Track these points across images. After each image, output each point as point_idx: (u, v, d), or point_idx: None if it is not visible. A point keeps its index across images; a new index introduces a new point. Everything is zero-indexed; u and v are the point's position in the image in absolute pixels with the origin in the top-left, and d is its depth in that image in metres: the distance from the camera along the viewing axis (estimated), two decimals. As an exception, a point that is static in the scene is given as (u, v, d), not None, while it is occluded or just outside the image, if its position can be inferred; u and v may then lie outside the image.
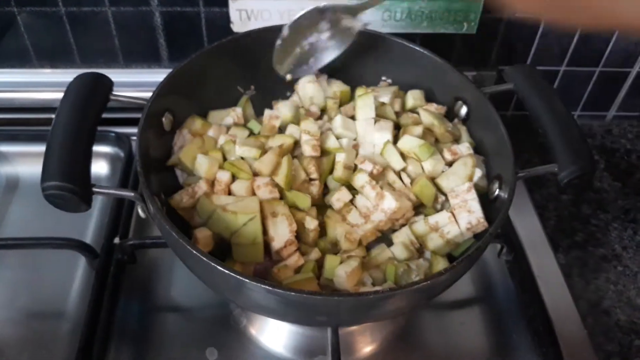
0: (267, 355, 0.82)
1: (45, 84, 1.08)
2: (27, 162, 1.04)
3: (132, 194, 0.68)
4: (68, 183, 0.62)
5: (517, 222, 0.95)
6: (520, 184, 1.05)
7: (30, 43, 1.06)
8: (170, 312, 0.86)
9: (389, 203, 0.76)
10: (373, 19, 1.01)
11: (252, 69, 0.90)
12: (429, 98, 0.91)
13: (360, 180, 0.79)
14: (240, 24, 1.01)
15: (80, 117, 0.69)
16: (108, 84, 0.75)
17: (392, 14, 1.00)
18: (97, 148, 1.01)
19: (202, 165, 0.77)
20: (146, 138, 0.73)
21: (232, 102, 0.91)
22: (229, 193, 0.77)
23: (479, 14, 1.01)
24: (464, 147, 0.83)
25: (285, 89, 0.95)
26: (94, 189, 0.65)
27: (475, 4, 1.00)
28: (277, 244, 0.72)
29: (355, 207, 0.79)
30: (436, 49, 0.88)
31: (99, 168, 1.03)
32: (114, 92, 0.75)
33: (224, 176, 0.76)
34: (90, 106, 0.71)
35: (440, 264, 0.74)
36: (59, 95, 0.74)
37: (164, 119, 0.80)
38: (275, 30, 0.84)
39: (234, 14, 1.00)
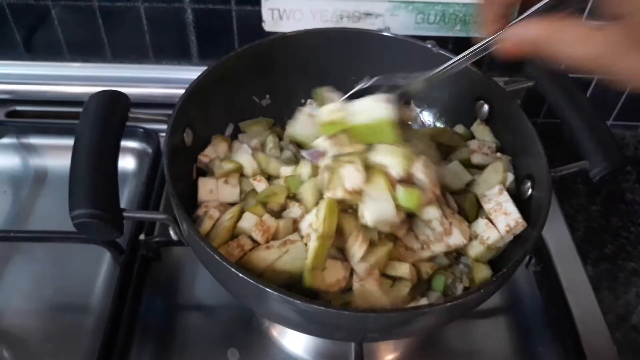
0: (289, 358, 0.81)
1: (77, 78, 1.10)
2: (56, 155, 1.04)
3: (164, 217, 0.67)
4: (98, 210, 0.60)
5: (546, 233, 0.93)
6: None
7: (63, 37, 1.07)
8: (193, 311, 0.86)
9: (456, 239, 0.71)
10: (406, 21, 1.00)
11: (267, 78, 0.89)
12: (449, 99, 0.89)
13: (431, 214, 0.72)
14: (272, 23, 1.00)
15: (101, 140, 0.67)
16: (126, 101, 0.73)
17: (426, 16, 0.99)
18: (125, 143, 1.02)
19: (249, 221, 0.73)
20: (173, 156, 0.71)
21: (249, 113, 0.90)
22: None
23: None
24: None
25: (301, 96, 0.93)
26: (125, 214, 0.63)
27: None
28: (327, 281, 0.67)
29: (412, 230, 0.74)
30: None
31: (127, 163, 1.04)
32: (132, 110, 0.73)
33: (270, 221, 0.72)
34: (110, 127, 0.69)
35: (483, 272, 0.72)
36: (90, 89, 0.74)
37: (185, 135, 0.78)
38: (288, 37, 0.86)
39: (266, 13, 0.99)
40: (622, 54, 0.42)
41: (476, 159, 0.83)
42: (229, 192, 0.78)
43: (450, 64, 0.68)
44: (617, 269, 0.98)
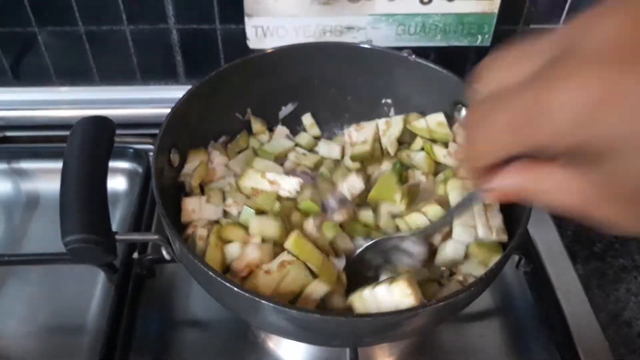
0: (286, 370, 0.82)
1: (65, 102, 1.11)
2: (47, 178, 1.05)
3: (156, 237, 0.68)
4: (91, 235, 0.61)
5: (535, 233, 0.95)
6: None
7: (50, 62, 1.09)
8: (189, 326, 0.86)
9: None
10: (387, 34, 1.02)
11: (249, 94, 0.91)
12: (428, 103, 0.92)
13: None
14: (256, 41, 1.02)
15: (89, 166, 0.67)
16: (111, 126, 0.73)
17: (406, 27, 1.01)
18: (115, 164, 1.03)
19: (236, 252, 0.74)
20: (161, 177, 0.73)
21: (232, 129, 0.92)
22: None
23: (492, 27, 1.02)
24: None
25: (281, 103, 0.96)
26: (117, 237, 0.64)
27: (489, 16, 1.00)
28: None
29: None
30: (450, 62, 0.89)
31: (117, 184, 1.04)
32: (118, 134, 0.73)
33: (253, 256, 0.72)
34: (97, 152, 0.69)
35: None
36: (79, 112, 0.76)
37: (171, 155, 0.79)
38: (269, 54, 0.88)
39: (250, 31, 1.01)
40: (602, 205, 0.39)
41: (448, 160, 0.86)
42: (212, 210, 0.79)
43: (441, 221, 0.74)
44: (607, 266, 0.99)
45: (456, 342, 0.86)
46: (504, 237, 0.73)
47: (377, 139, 0.92)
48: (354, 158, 0.89)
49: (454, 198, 0.79)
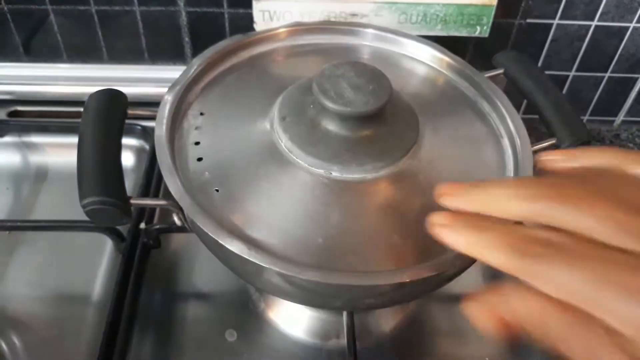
0: (283, 337, 0.85)
1: (74, 79, 1.14)
2: (56, 152, 1.08)
3: (169, 202, 0.69)
4: (108, 197, 0.63)
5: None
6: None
7: (61, 40, 1.12)
8: (192, 296, 0.89)
9: None
10: (389, 21, 1.05)
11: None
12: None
13: None
14: (262, 25, 1.05)
15: (105, 134, 0.70)
16: (124, 99, 0.76)
17: (408, 16, 1.05)
18: (123, 141, 1.04)
19: None
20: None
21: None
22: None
23: (491, 18, 1.06)
24: None
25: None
26: (132, 201, 0.66)
27: (488, 8, 1.04)
28: None
29: None
30: (449, 51, 0.92)
31: (125, 160, 1.05)
32: (131, 108, 0.76)
33: None
34: (112, 123, 0.72)
35: None
36: (87, 89, 0.78)
37: None
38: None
39: (257, 15, 1.04)
40: None
41: None
42: None
43: None
44: (594, 252, 1.03)
45: (449, 320, 0.89)
46: None
47: None
48: None
49: None
